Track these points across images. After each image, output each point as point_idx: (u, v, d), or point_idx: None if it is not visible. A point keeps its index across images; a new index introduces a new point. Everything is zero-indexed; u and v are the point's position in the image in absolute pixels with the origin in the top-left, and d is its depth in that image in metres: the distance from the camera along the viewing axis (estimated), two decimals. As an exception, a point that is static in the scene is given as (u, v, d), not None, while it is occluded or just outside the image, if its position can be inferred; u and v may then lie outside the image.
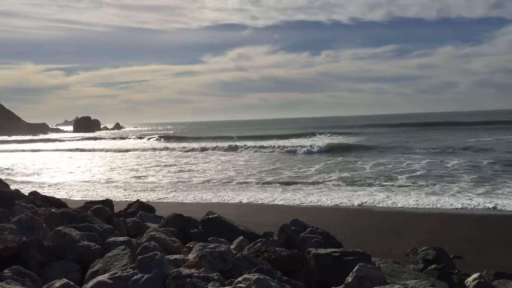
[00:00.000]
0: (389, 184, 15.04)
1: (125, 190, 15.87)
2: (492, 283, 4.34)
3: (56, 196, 8.59)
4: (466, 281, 4.45)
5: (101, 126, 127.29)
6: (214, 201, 13.10)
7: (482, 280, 4.23)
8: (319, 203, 12.20)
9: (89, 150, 39.77)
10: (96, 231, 4.62)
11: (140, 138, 51.34)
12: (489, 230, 9.00)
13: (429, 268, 4.87)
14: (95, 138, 59.80)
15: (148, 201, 11.00)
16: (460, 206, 11.28)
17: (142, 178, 19.38)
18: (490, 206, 11.05)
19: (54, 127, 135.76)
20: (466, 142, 31.63)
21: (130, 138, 53.97)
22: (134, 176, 19.93)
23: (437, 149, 26.53)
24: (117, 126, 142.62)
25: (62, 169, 23.98)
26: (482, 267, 5.59)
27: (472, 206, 11.19)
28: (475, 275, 4.36)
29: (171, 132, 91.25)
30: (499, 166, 18.29)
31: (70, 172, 22.27)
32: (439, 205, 11.42)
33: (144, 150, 37.01)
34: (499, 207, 10.92)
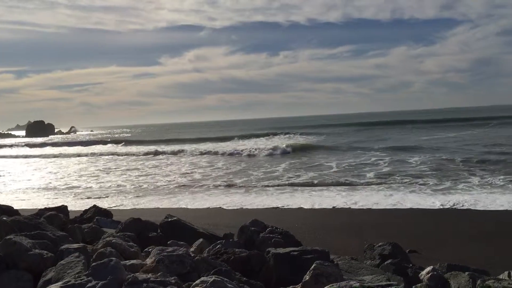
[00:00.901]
0: (347, 183, 15.34)
1: (81, 196, 15.44)
2: (445, 275, 4.49)
3: (9, 204, 8.22)
4: (420, 274, 4.58)
5: (56, 130, 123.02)
6: (174, 206, 12.83)
7: (435, 273, 4.37)
8: (282, 204, 12.23)
9: (45, 156, 38.26)
10: (48, 238, 4.46)
11: (97, 142, 49.65)
12: (443, 225, 9.33)
13: (386, 263, 4.98)
14: (49, 144, 57.41)
15: (110, 207, 10.74)
16: (417, 202, 11.65)
17: (100, 183, 18.88)
18: (447, 202, 11.45)
19: (5, 132, 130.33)
20: (421, 141, 32.75)
21: (87, 142, 52.19)
22: (90, 182, 19.40)
23: (396, 148, 27.16)
24: (73, 130, 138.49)
25: (16, 176, 23.06)
26: (436, 261, 5.79)
27: (430, 202, 11.57)
28: (428, 268, 4.50)
29: (129, 135, 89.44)
30: (457, 163, 18.95)
31: (25, 179, 21.42)
32: (396, 202, 11.76)
33: (101, 154, 35.97)
34: (454, 203, 11.33)
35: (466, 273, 4.52)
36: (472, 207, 10.83)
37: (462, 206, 11.01)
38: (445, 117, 68.04)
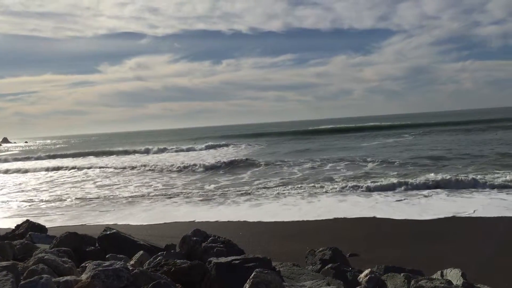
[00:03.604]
0: (287, 191, 15.54)
1: (15, 212, 14.63)
2: (382, 277, 4.64)
3: None
4: (359, 277, 4.71)
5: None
6: (116, 222, 12.36)
7: (373, 275, 4.51)
8: (224, 216, 12.17)
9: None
10: (-27, 257, 4.17)
11: (29, 158, 46.22)
12: (383, 229, 9.67)
13: (326, 267, 5.07)
14: None
15: (52, 226, 10.21)
16: (358, 207, 12.02)
17: (33, 199, 17.95)
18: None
19: None
20: (361, 147, 33.86)
21: (16, 156, 48.72)
22: (25, 198, 18.41)
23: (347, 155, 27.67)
24: (5, 141, 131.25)
25: None
26: (374, 263, 5.97)
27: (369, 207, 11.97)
28: (366, 271, 4.63)
29: (64, 145, 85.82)
30: (404, 167, 19.66)
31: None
32: (340, 208, 12.07)
33: (36, 170, 34.07)
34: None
35: (402, 274, 4.69)
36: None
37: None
38: (382, 123, 70.11)
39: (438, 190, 13.96)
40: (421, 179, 15.16)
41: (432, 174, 15.73)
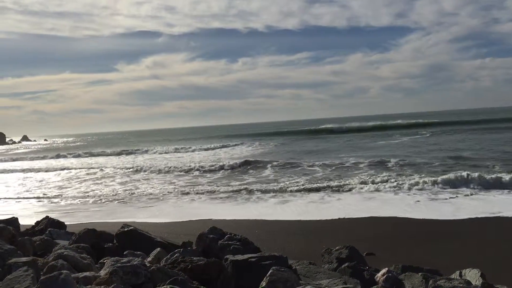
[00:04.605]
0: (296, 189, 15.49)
1: (35, 208, 14.88)
2: (399, 277, 4.60)
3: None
4: (376, 276, 4.67)
5: (7, 140, 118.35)
6: (134, 219, 12.46)
7: (390, 274, 4.47)
8: (240, 214, 12.19)
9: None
10: (-5, 252, 4.25)
11: (58, 156, 46.73)
12: (398, 228, 9.58)
13: (343, 266, 5.05)
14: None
15: (71, 223, 10.35)
16: (378, 206, 11.93)
17: (52, 195, 18.24)
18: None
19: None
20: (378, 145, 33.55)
21: (46, 155, 49.18)
22: (44, 195, 18.72)
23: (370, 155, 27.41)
24: (25, 139, 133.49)
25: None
26: (391, 262, 5.92)
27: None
28: (384, 270, 4.59)
29: (83, 143, 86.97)
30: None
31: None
32: (359, 206, 11.99)
33: (55, 168, 34.61)
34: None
35: (420, 273, 4.64)
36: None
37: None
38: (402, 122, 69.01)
39: (464, 189, 13.72)
40: (445, 177, 14.89)
41: (460, 173, 15.24)
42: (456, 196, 12.69)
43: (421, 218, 10.31)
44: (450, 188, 13.90)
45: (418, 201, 12.32)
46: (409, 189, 14.15)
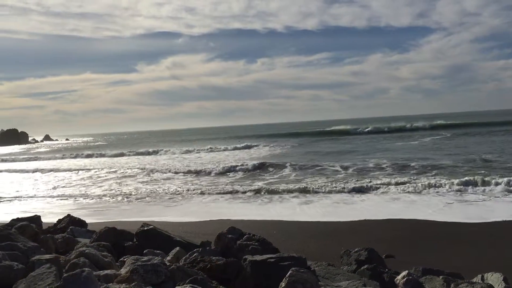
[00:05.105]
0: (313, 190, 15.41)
1: (56, 207, 15.14)
2: (420, 280, 4.54)
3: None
4: (396, 279, 4.62)
5: (30, 139, 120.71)
6: (153, 218, 12.57)
7: (410, 277, 4.42)
8: (258, 214, 12.20)
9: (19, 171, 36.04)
10: (19, 249, 4.35)
11: (78, 156, 47.28)
12: (418, 230, 9.46)
13: (362, 268, 5.01)
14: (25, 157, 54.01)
15: (91, 222, 10.51)
16: (400, 208, 11.80)
17: (74, 194, 18.54)
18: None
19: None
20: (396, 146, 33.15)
21: (65, 155, 49.79)
22: (66, 193, 19.05)
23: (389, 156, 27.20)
24: (47, 138, 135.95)
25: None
26: (411, 265, 5.85)
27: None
28: (404, 273, 4.54)
29: (104, 143, 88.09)
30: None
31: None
32: (381, 207, 11.89)
33: (82, 169, 35.21)
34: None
35: (441, 277, 4.59)
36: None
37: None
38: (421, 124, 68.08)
39: (488, 191, 13.47)
40: (469, 179, 14.66)
41: (482, 176, 14.97)
42: (482, 200, 12.47)
43: (442, 220, 10.17)
44: (472, 190, 13.65)
45: (448, 203, 12.11)
46: (432, 191, 13.93)
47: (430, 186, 14.42)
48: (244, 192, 15.71)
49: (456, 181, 14.60)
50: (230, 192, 15.91)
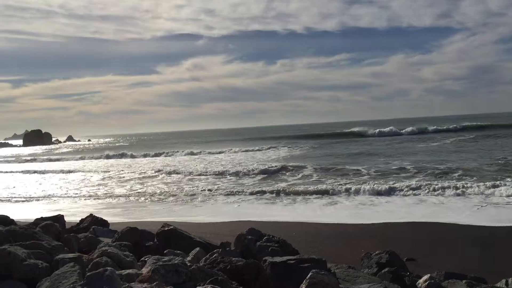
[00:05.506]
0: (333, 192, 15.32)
1: (79, 206, 15.39)
2: (442, 284, 4.48)
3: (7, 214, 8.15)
4: (417, 282, 4.57)
5: (53, 139, 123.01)
6: (174, 218, 12.66)
7: (432, 281, 4.36)
8: (278, 216, 12.18)
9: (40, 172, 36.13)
10: (43, 248, 4.43)
11: (100, 156, 47.90)
12: (440, 233, 9.32)
13: (383, 271, 4.96)
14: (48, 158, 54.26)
15: (113, 222, 10.68)
16: (421, 210, 11.67)
17: (97, 194, 18.82)
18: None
19: (3, 141, 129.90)
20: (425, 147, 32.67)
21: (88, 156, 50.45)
22: (89, 193, 19.34)
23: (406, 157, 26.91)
24: (70, 139, 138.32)
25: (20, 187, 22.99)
26: (433, 268, 5.77)
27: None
28: (426, 277, 4.49)
29: (125, 143, 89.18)
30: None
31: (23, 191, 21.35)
32: (403, 210, 11.78)
33: (103, 170, 35.73)
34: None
35: (464, 281, 4.51)
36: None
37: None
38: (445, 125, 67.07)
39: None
40: (495, 182, 14.39)
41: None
42: (506, 203, 12.21)
43: (466, 223, 10.00)
44: (499, 193, 13.34)
45: (477, 206, 11.89)
46: (457, 193, 13.69)
47: (455, 188, 14.16)
48: (264, 193, 15.71)
49: (481, 184, 14.32)
50: (252, 193, 15.93)
